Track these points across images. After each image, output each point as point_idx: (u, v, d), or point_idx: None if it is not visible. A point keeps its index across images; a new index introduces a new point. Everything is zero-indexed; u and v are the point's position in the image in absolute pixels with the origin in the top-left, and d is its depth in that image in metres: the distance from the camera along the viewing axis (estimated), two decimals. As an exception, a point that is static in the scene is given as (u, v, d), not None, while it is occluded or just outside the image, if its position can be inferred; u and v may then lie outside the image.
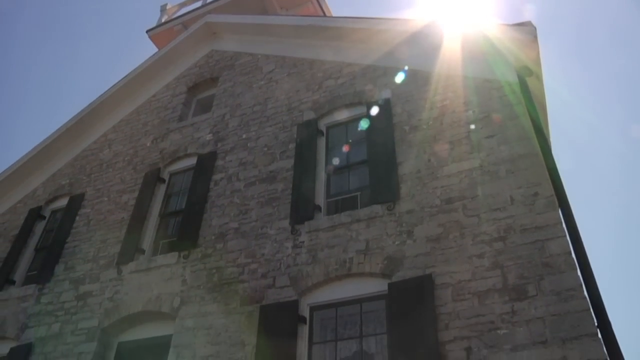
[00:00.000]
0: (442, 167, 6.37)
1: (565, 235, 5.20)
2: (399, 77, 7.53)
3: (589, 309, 4.67)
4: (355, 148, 7.48)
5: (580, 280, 4.86)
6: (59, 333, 7.54)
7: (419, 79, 7.45)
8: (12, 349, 7.72)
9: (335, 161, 7.52)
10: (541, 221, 5.37)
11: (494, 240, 5.48)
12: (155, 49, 12.50)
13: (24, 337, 7.80)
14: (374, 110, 7.44)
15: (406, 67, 7.61)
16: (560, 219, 5.35)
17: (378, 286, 5.81)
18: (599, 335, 4.53)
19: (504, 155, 6.09)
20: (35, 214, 10.05)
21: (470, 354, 4.87)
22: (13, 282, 9.03)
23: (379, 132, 7.18)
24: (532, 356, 4.62)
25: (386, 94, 7.56)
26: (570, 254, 5.05)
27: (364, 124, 7.43)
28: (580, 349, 4.48)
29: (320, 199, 7.11)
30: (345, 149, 7.58)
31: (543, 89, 7.10)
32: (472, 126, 6.47)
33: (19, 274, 9.23)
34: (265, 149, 8.09)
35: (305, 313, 6.06)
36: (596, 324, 4.59)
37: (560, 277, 4.93)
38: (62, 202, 9.98)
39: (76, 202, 9.60)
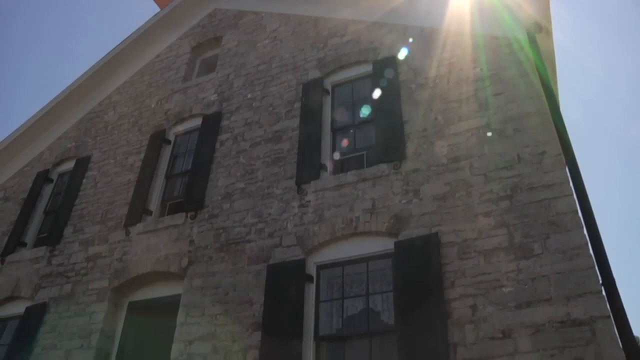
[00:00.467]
0: (448, 125, 6.30)
1: (572, 194, 5.18)
2: (402, 54, 7.35)
3: (594, 267, 4.69)
4: (362, 107, 7.41)
5: (586, 238, 4.87)
6: (71, 293, 7.69)
7: (425, 36, 7.31)
8: (27, 308, 7.91)
9: (341, 120, 7.47)
10: (548, 180, 5.34)
11: (501, 199, 5.47)
12: (157, 9, 12.29)
13: (38, 297, 7.97)
14: (380, 69, 7.33)
15: (410, 40, 7.41)
16: (568, 178, 5.31)
17: (384, 245, 5.84)
18: (603, 293, 4.56)
19: (511, 113, 6.01)
20: (42, 177, 10.10)
21: (476, 311, 4.93)
22: (24, 245, 9.17)
23: (385, 90, 7.09)
24: (537, 313, 4.67)
25: (393, 51, 7.43)
26: (577, 212, 5.04)
27: (366, 107, 7.29)
28: (584, 306, 4.51)
29: (326, 158, 7.09)
30: (351, 107, 7.51)
31: (552, 46, 6.95)
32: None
33: (30, 237, 9.35)
34: (271, 108, 8.03)
35: (312, 272, 6.12)
36: (601, 281, 4.62)
37: (566, 236, 4.93)
38: (69, 165, 10.02)
39: (83, 164, 9.63)
